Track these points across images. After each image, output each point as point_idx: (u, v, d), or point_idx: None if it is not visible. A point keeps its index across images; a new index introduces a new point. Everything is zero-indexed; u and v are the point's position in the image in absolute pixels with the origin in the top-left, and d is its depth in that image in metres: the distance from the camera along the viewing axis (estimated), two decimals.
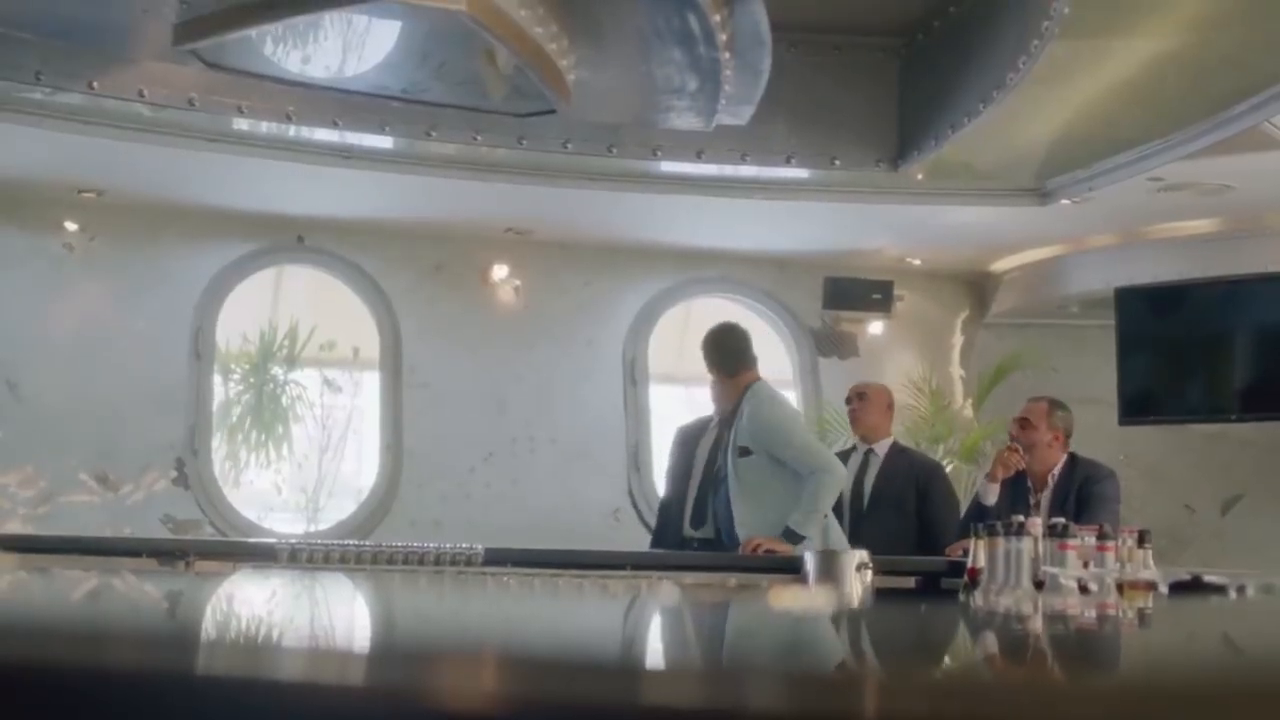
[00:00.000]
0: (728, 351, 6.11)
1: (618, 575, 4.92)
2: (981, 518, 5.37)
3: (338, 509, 8.22)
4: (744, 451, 5.78)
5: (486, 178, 7.02)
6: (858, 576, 4.61)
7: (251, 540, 6.70)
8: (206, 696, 1.04)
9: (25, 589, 2.09)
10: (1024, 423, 5.77)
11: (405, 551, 4.75)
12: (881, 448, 6.19)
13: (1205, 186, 6.71)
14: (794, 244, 8.32)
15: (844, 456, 6.16)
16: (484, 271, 8.37)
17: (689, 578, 5.13)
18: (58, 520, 7.29)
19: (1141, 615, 2.83)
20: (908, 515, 6.02)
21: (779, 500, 5.66)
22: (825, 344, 8.79)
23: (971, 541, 4.38)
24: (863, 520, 5.97)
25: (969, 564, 4.36)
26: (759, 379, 5.99)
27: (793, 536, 5.48)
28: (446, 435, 8.14)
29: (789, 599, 3.38)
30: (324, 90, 5.93)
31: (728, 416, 5.95)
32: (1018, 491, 5.72)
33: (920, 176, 6.98)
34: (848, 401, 6.43)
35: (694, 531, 6.00)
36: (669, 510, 6.22)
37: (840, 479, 5.75)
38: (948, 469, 8.09)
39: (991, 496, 5.76)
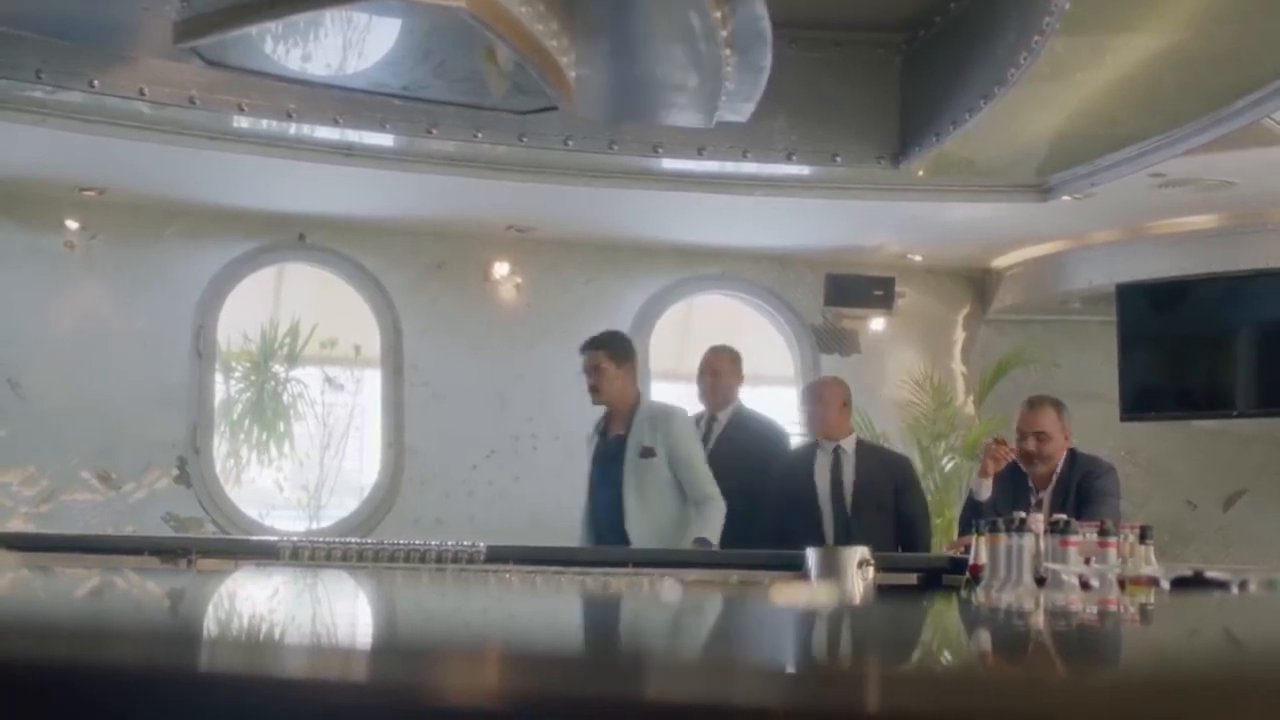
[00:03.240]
0: (630, 345, 6.17)
1: (620, 573, 4.93)
2: (976, 514, 5.37)
3: (339, 507, 8.23)
4: (648, 452, 5.82)
5: (487, 175, 7.02)
6: (859, 573, 4.61)
7: (253, 538, 6.70)
8: (209, 694, 1.04)
9: (27, 587, 2.09)
10: (1041, 436, 5.66)
11: (407, 549, 4.75)
12: (849, 445, 6.09)
13: (1206, 182, 6.70)
14: (795, 241, 8.32)
15: (807, 453, 6.11)
16: (485, 269, 8.37)
17: (691, 575, 5.13)
18: (59, 518, 7.30)
19: (1143, 611, 2.82)
20: (887, 512, 5.97)
21: (667, 505, 5.77)
22: (827, 341, 8.79)
23: (973, 538, 4.38)
24: (849, 520, 5.92)
25: (971, 560, 4.36)
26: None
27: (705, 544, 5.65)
28: (448, 433, 8.14)
29: (791, 595, 3.38)
30: (325, 88, 5.93)
31: (624, 417, 5.97)
32: (1019, 488, 5.71)
33: (921, 173, 6.98)
34: (803, 403, 6.34)
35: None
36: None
37: (720, 506, 5.80)
38: (949, 466, 8.11)
39: (985, 492, 5.75)
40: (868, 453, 6.14)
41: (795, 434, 6.62)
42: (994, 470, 5.76)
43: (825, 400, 6.13)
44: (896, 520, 5.93)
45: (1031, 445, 5.63)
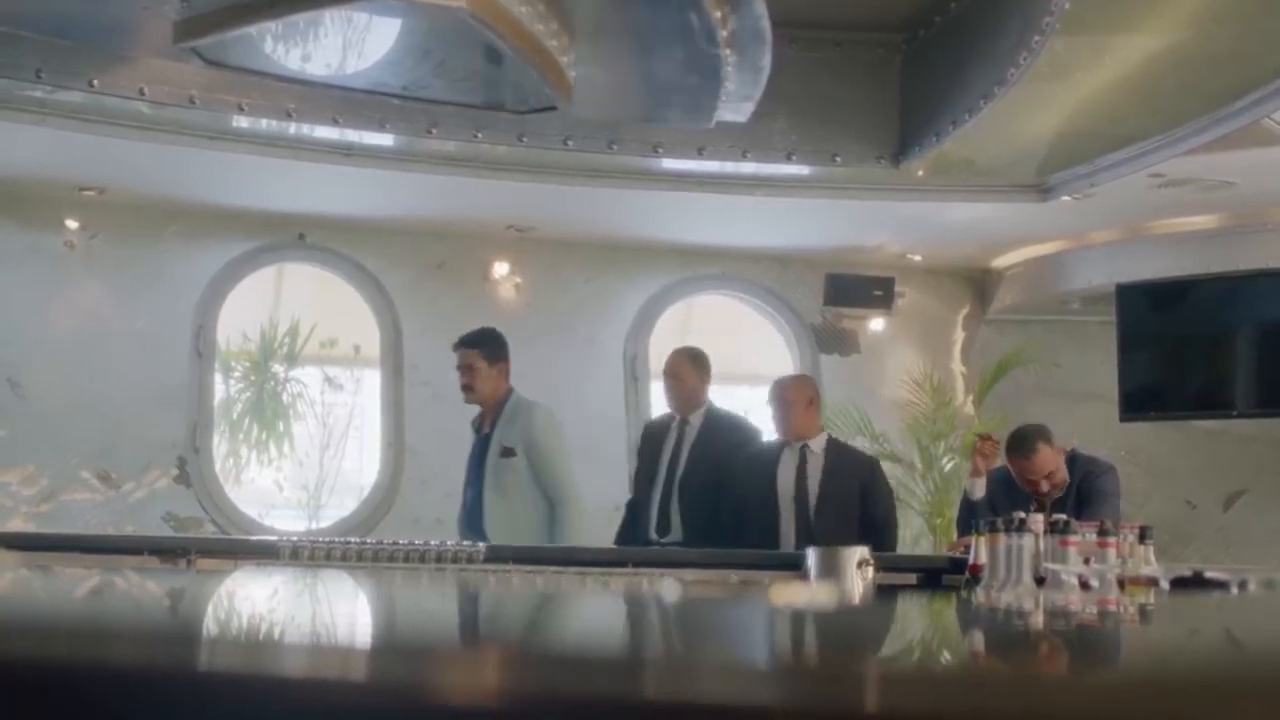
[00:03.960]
0: (503, 343, 6.12)
1: (619, 572, 4.93)
2: (972, 513, 5.37)
3: (339, 506, 8.23)
4: (508, 451, 5.83)
5: (487, 175, 7.02)
6: (859, 573, 4.61)
7: (253, 538, 6.70)
8: (209, 693, 1.04)
9: (27, 587, 2.09)
10: (1050, 476, 5.63)
11: (407, 549, 4.75)
12: (817, 445, 5.92)
13: (1206, 182, 6.70)
14: (795, 241, 8.32)
15: (773, 453, 5.97)
16: (485, 269, 8.37)
17: (690, 575, 5.13)
18: (59, 518, 7.30)
19: (1143, 611, 2.82)
20: (852, 515, 5.80)
21: (528, 505, 5.76)
22: (826, 341, 8.79)
23: (973, 538, 4.39)
24: (810, 522, 5.78)
25: (970, 560, 4.36)
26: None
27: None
28: (448, 433, 8.11)
29: (791, 595, 3.38)
30: (324, 88, 5.93)
31: (493, 414, 5.96)
32: (1007, 484, 5.71)
33: (921, 173, 6.98)
34: (769, 403, 6.15)
35: (659, 538, 5.98)
36: (636, 511, 6.17)
37: (581, 506, 5.78)
38: (948, 466, 8.11)
39: (979, 491, 5.76)
40: (836, 454, 5.96)
41: (769, 434, 6.57)
42: (985, 468, 5.77)
43: (789, 400, 5.98)
44: (861, 523, 5.74)
45: (1044, 487, 5.59)
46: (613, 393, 8.42)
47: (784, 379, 6.28)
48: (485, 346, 6.04)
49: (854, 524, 5.72)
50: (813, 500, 5.82)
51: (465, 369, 5.99)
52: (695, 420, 6.18)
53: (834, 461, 5.91)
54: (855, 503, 5.83)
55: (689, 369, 6.24)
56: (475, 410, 6.21)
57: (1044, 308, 8.64)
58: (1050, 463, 5.60)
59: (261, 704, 1.02)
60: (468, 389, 6.02)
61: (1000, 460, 5.83)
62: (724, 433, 6.23)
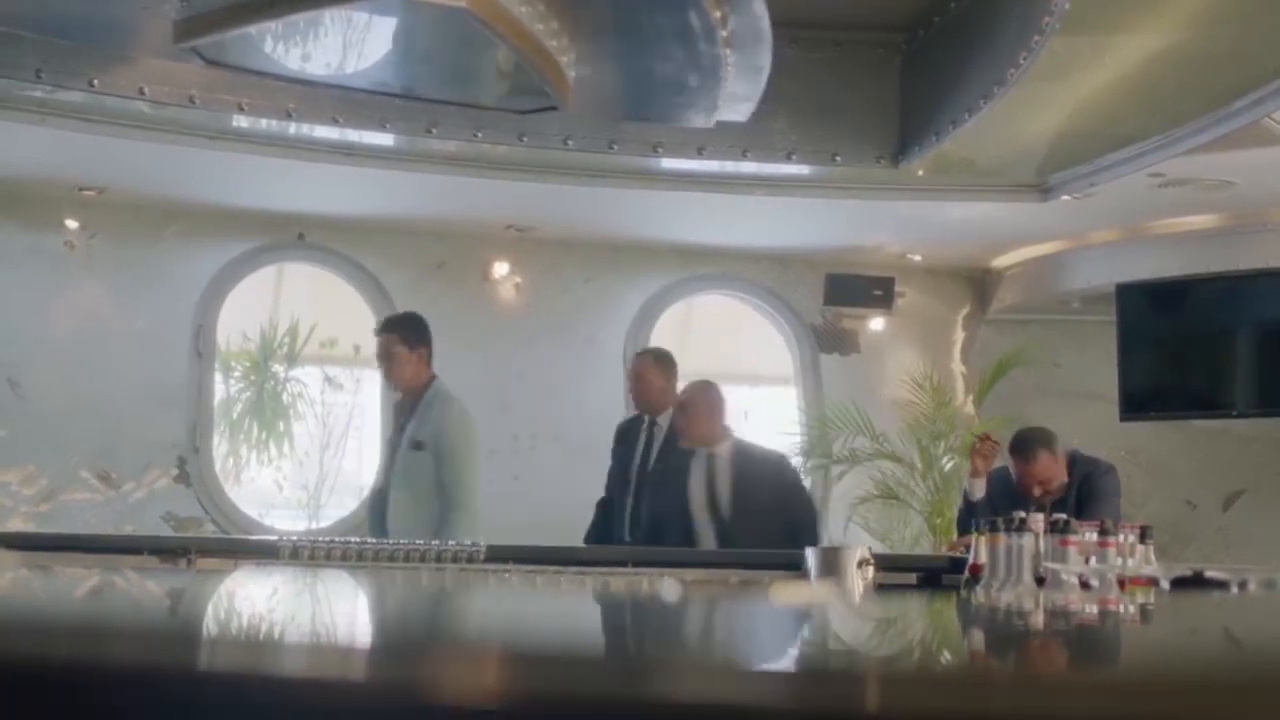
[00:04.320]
0: (424, 328, 5.92)
1: (619, 572, 4.93)
2: (971, 513, 5.37)
3: (339, 506, 8.23)
4: (418, 445, 5.69)
5: (487, 175, 7.02)
6: (859, 573, 4.61)
7: (253, 538, 6.69)
8: (209, 693, 1.04)
9: (27, 586, 2.09)
10: (1047, 482, 5.63)
11: (407, 549, 4.75)
12: (723, 451, 5.75)
13: (1206, 182, 6.70)
14: (795, 240, 8.32)
15: (681, 461, 5.83)
16: (485, 269, 8.37)
17: (690, 574, 5.13)
18: (59, 518, 7.29)
19: (1143, 611, 2.82)
20: (771, 519, 5.65)
21: (432, 502, 5.61)
22: (826, 341, 8.79)
23: (973, 537, 4.39)
24: (728, 530, 5.67)
25: (970, 560, 4.36)
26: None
27: None
28: None
29: (791, 595, 3.38)
30: (324, 88, 5.92)
31: (407, 407, 5.83)
32: (1006, 484, 5.72)
33: (921, 172, 6.98)
34: (674, 410, 5.99)
35: (630, 538, 5.94)
36: (609, 510, 6.11)
37: (477, 517, 5.62)
38: (948, 466, 8.11)
39: (978, 491, 5.76)
40: (745, 459, 5.79)
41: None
42: (984, 469, 5.77)
43: (691, 409, 5.83)
44: (783, 526, 5.59)
45: (1037, 493, 5.59)
46: (613, 393, 8.41)
47: (691, 384, 6.05)
48: (404, 331, 5.85)
49: (775, 527, 5.58)
50: (725, 509, 5.71)
51: (383, 354, 5.82)
52: (664, 421, 6.12)
53: (744, 467, 5.76)
54: (772, 506, 5.69)
55: (654, 371, 6.19)
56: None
57: (1044, 307, 8.64)
58: (1048, 470, 5.60)
59: (261, 704, 1.02)
60: (386, 375, 5.90)
61: (1000, 460, 5.83)
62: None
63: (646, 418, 6.19)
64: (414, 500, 5.66)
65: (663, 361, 6.28)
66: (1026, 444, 5.68)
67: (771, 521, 5.62)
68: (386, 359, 5.81)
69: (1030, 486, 5.60)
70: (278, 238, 8.07)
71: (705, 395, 5.92)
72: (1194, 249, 7.60)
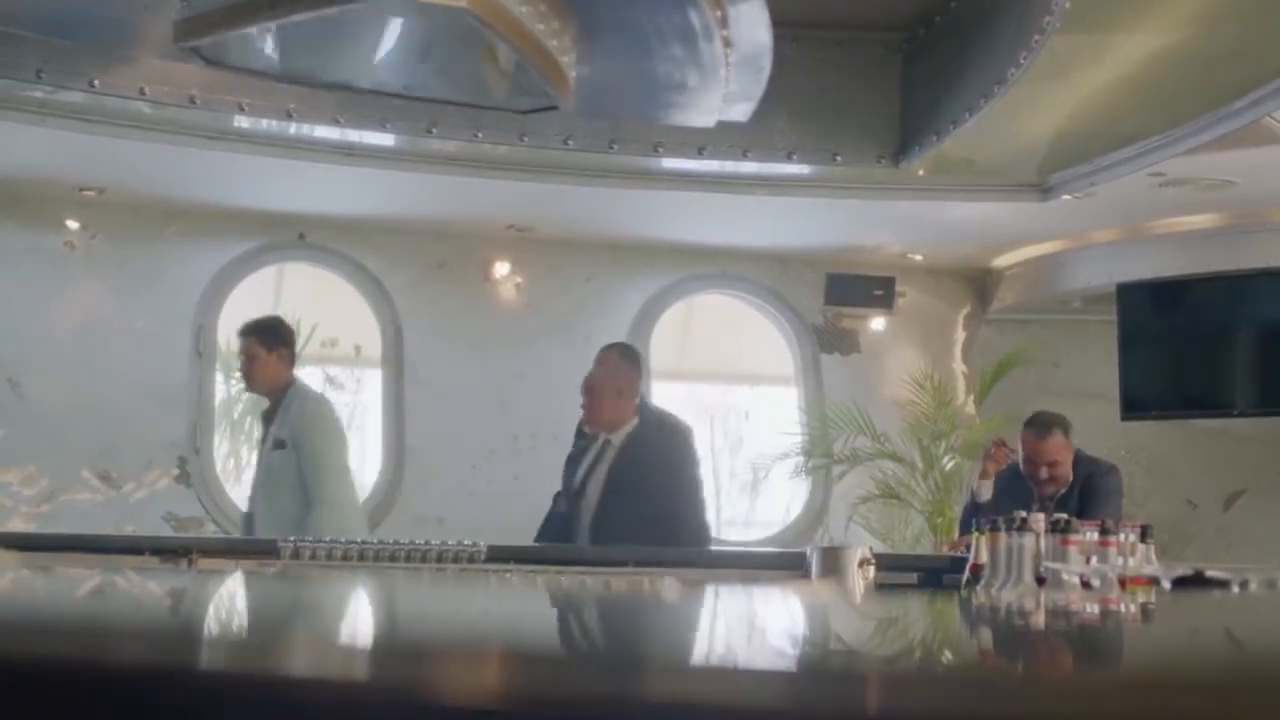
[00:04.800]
0: (283, 331, 5.96)
1: (620, 572, 4.93)
2: (978, 515, 5.37)
3: None
4: (280, 444, 5.70)
5: (488, 175, 7.02)
6: (860, 572, 4.61)
7: (254, 538, 6.70)
8: (209, 693, 1.04)
9: (28, 587, 2.09)
10: (1054, 465, 5.63)
11: (408, 549, 4.75)
12: (617, 438, 5.69)
13: (1207, 181, 6.70)
14: (795, 240, 8.32)
15: (581, 447, 5.80)
16: (486, 269, 8.37)
17: (692, 574, 5.14)
18: (60, 518, 7.29)
19: (1144, 610, 2.82)
20: (646, 509, 5.53)
21: (297, 502, 5.59)
22: (827, 340, 8.78)
23: (973, 537, 4.39)
24: (598, 516, 5.61)
25: (971, 559, 4.36)
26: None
27: None
28: (449, 433, 8.14)
29: (792, 595, 3.38)
30: (325, 88, 5.92)
31: (271, 410, 5.85)
32: (1014, 487, 5.72)
33: (922, 172, 6.98)
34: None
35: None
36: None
37: (342, 511, 5.59)
38: (949, 465, 8.11)
39: (986, 493, 5.76)
40: (636, 444, 5.68)
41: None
42: (994, 471, 5.77)
43: (595, 391, 5.80)
44: (656, 519, 5.51)
45: (1044, 474, 5.60)
46: None
47: (595, 369, 5.96)
48: (263, 334, 5.89)
49: (649, 519, 5.48)
50: (601, 494, 5.63)
51: (244, 357, 5.87)
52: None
53: (630, 452, 5.66)
54: (648, 497, 5.57)
55: (621, 364, 6.09)
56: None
57: (1045, 307, 8.64)
58: (1059, 452, 5.62)
59: (262, 704, 1.02)
60: (246, 377, 5.93)
61: (1011, 459, 5.83)
62: (659, 427, 6.07)
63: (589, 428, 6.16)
64: (277, 498, 5.68)
65: (627, 357, 6.24)
66: (1044, 423, 5.70)
67: (648, 514, 5.51)
68: (247, 362, 5.85)
69: (1038, 466, 5.61)
70: (278, 238, 8.07)
71: (612, 379, 5.86)
72: (1195, 248, 7.60)
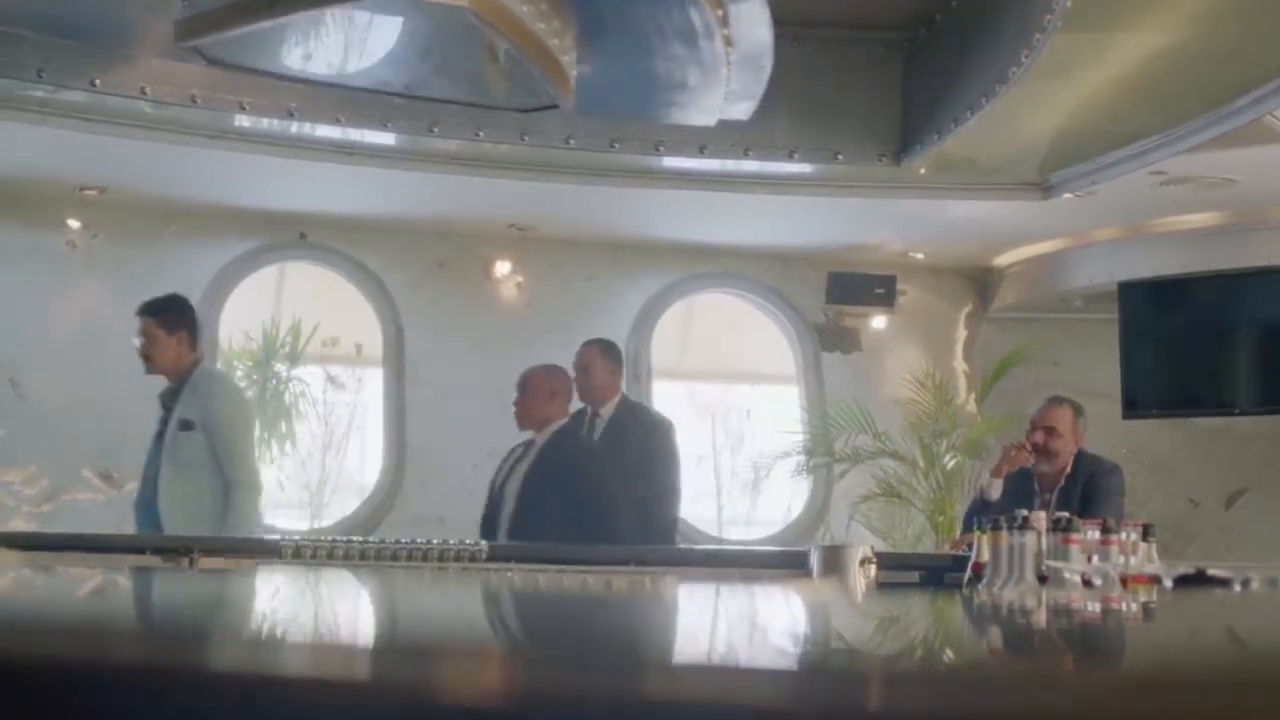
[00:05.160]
0: (184, 312, 5.80)
1: (622, 571, 4.93)
2: (985, 513, 5.36)
3: (341, 505, 8.23)
4: (187, 425, 5.54)
5: (489, 174, 7.02)
6: (861, 571, 4.61)
7: (255, 537, 6.70)
8: (211, 693, 1.04)
9: (29, 586, 2.09)
10: (1050, 431, 5.67)
11: (409, 548, 4.75)
12: (542, 438, 5.79)
13: (1208, 180, 6.70)
14: (797, 239, 8.32)
15: (518, 447, 5.89)
16: (487, 268, 8.37)
17: (693, 573, 5.14)
18: (61, 518, 7.29)
19: (1145, 609, 2.82)
20: (556, 512, 5.59)
21: (206, 484, 5.46)
22: (828, 339, 8.78)
23: (975, 536, 4.38)
24: (515, 515, 5.68)
25: (973, 558, 4.36)
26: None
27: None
28: (450, 432, 8.14)
29: (794, 594, 3.38)
30: (326, 87, 5.92)
31: (172, 392, 5.69)
32: (1023, 488, 5.72)
33: (923, 171, 6.97)
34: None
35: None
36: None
37: (256, 491, 5.52)
38: (950, 464, 8.11)
39: (995, 492, 5.76)
40: (555, 445, 5.78)
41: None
42: (1007, 471, 5.77)
43: (527, 390, 5.86)
44: (567, 521, 5.57)
45: (1039, 438, 5.67)
46: None
47: (531, 369, 6.02)
48: (163, 314, 5.72)
49: (558, 522, 5.53)
50: (511, 497, 5.74)
51: (142, 338, 5.69)
52: (606, 412, 6.17)
53: (548, 453, 5.75)
54: (559, 498, 5.64)
55: (600, 362, 6.23)
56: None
57: (1046, 305, 8.64)
58: (1060, 420, 5.68)
59: (263, 704, 1.02)
60: (146, 359, 5.73)
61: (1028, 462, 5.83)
62: (638, 423, 6.22)
63: (589, 409, 6.19)
64: (187, 481, 5.52)
65: (609, 351, 6.32)
66: (1060, 398, 5.83)
67: (559, 517, 5.55)
68: (146, 343, 5.68)
69: (1036, 429, 5.69)
70: (279, 237, 8.07)
71: (544, 379, 5.93)
72: (1196, 247, 7.60)
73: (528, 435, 5.93)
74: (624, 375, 6.31)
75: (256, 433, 5.81)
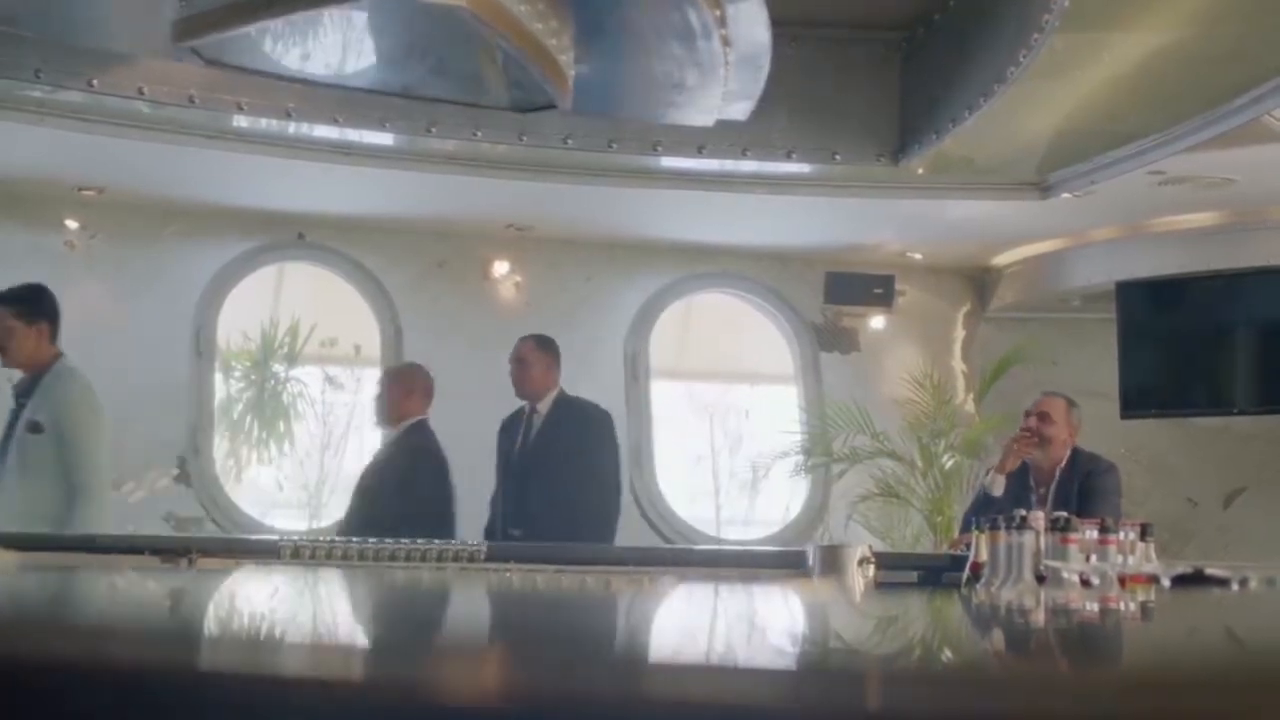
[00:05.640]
0: (44, 302, 5.54)
1: (620, 571, 4.93)
2: (988, 510, 5.37)
3: (340, 505, 8.22)
4: (35, 427, 5.30)
5: (487, 174, 7.02)
6: (860, 571, 4.61)
7: (254, 537, 6.71)
8: (209, 693, 1.04)
9: (28, 586, 2.09)
10: (1044, 417, 5.72)
11: (408, 548, 4.75)
12: (396, 433, 6.17)
13: (1206, 180, 6.70)
14: (795, 239, 8.32)
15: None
16: (485, 268, 8.37)
17: (692, 573, 5.13)
18: None
19: (1144, 608, 2.82)
20: (401, 497, 5.80)
21: (53, 489, 5.24)
22: (827, 339, 8.79)
23: (974, 535, 4.38)
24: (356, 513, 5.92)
25: (971, 558, 4.36)
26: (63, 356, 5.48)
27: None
28: (448, 431, 8.11)
29: (793, 593, 3.39)
30: (324, 87, 5.91)
31: (26, 386, 5.42)
32: (1020, 486, 5.73)
33: (921, 171, 6.98)
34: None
35: (513, 530, 5.97)
36: (495, 506, 6.18)
37: (103, 501, 5.32)
38: (949, 464, 8.10)
39: (998, 489, 5.77)
40: (402, 442, 6.13)
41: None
42: (1010, 467, 5.78)
43: (395, 383, 6.17)
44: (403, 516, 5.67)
45: (1033, 423, 5.70)
46: (613, 392, 8.40)
47: (393, 366, 6.30)
48: (21, 304, 5.45)
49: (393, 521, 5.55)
50: (355, 495, 6.03)
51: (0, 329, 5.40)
52: (543, 407, 6.18)
53: (390, 452, 6.12)
54: (397, 497, 5.86)
55: (536, 356, 6.24)
56: None
57: (1044, 305, 8.64)
58: (1055, 409, 5.73)
59: (261, 703, 1.02)
60: (1, 350, 5.44)
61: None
62: (575, 417, 6.22)
63: (526, 406, 6.19)
64: (33, 488, 5.25)
65: (546, 346, 6.31)
66: (1055, 391, 5.90)
67: (402, 500, 5.75)
68: (3, 334, 5.40)
69: (1029, 416, 5.75)
70: (278, 237, 8.07)
71: (404, 376, 6.24)
72: (1194, 247, 7.60)
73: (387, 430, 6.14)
74: (560, 370, 6.30)
75: (107, 437, 5.47)
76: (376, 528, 5.15)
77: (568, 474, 5.94)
